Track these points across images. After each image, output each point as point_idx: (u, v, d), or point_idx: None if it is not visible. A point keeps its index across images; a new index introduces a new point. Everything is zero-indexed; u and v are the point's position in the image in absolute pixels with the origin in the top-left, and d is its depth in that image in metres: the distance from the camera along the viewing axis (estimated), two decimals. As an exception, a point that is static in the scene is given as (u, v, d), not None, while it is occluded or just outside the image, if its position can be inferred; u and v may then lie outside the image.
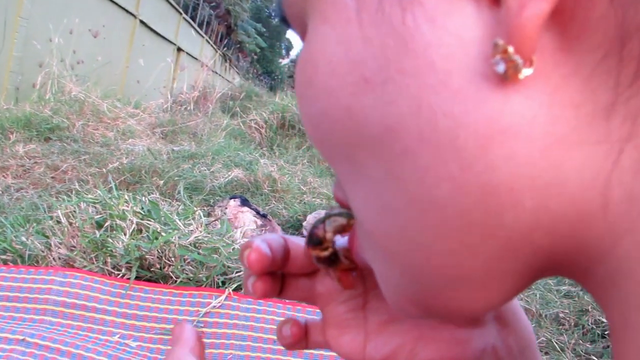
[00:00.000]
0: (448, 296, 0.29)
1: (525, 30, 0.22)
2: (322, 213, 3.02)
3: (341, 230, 0.40)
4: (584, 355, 2.68)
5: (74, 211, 2.57)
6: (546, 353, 2.67)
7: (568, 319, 2.94)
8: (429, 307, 0.31)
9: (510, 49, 0.22)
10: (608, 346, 2.75)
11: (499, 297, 0.29)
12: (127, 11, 10.82)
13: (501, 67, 0.23)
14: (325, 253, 0.39)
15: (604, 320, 2.85)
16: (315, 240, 0.39)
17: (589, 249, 0.25)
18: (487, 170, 0.24)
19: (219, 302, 2.37)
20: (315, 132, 0.31)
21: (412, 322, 0.45)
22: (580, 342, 2.77)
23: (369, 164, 0.28)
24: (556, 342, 2.72)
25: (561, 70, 0.23)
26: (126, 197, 2.67)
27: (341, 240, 0.40)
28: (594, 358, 2.68)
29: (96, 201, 2.64)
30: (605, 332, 2.81)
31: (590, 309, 2.96)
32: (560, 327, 2.90)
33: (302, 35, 0.33)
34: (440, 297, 0.30)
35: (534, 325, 2.84)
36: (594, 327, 2.87)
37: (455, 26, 0.24)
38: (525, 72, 0.22)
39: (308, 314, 2.50)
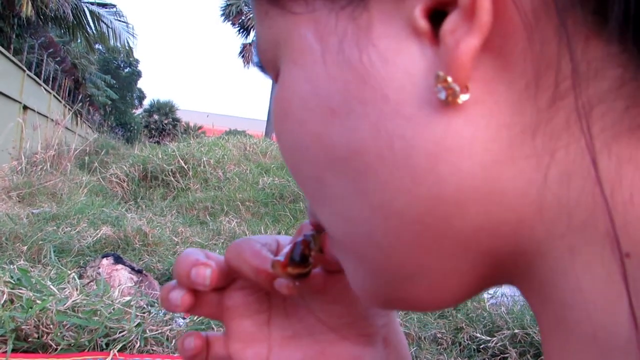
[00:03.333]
0: (408, 290, 0.34)
1: (460, 62, 0.26)
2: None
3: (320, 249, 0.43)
4: (463, 371, 2.84)
5: None
6: (429, 373, 2.80)
7: (445, 338, 3.09)
8: (391, 300, 0.36)
9: (449, 79, 0.27)
10: (484, 359, 2.93)
11: (454, 295, 0.34)
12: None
13: (442, 95, 0.27)
14: (306, 270, 0.42)
15: (478, 335, 3.04)
16: (302, 259, 0.42)
17: (529, 251, 0.29)
18: (436, 183, 0.28)
19: (105, 365, 2.30)
20: (290, 159, 0.36)
21: (314, 338, 0.49)
22: (459, 359, 2.92)
23: (335, 183, 0.32)
24: (437, 361, 2.86)
25: (494, 97, 0.27)
26: (-7, 267, 2.54)
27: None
28: (472, 372, 2.84)
29: (-41, 275, 2.48)
30: (481, 347, 2.99)
31: (464, 326, 3.14)
32: (439, 346, 3.04)
33: (275, 78, 0.38)
34: (401, 291, 0.34)
35: (414, 348, 2.96)
36: (469, 342, 3.04)
37: (403, 62, 0.28)
38: (463, 97, 0.27)
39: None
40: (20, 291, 2.44)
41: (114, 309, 2.52)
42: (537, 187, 0.28)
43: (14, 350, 2.23)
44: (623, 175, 0.26)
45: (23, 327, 2.26)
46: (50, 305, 2.33)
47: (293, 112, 0.33)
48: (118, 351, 2.36)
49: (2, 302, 2.35)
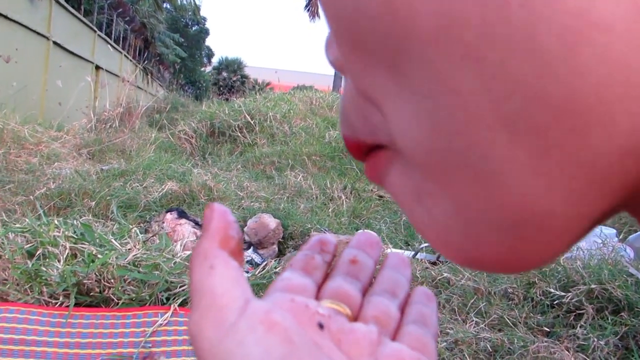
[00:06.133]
0: (508, 243, 0.23)
1: None
2: (262, 217, 2.95)
3: None
4: (536, 328, 2.71)
5: (2, 243, 2.44)
6: (499, 330, 2.69)
7: (517, 293, 2.97)
8: (479, 255, 0.25)
9: None
10: (558, 316, 2.79)
11: (569, 243, 0.24)
12: (38, 33, 10.49)
13: None
14: None
15: (552, 290, 2.90)
16: None
17: None
18: (574, 75, 0.19)
19: (165, 320, 2.29)
20: (347, 35, 0.24)
21: None
22: (531, 315, 2.80)
23: (416, 74, 0.22)
24: (508, 318, 2.74)
25: None
26: (56, 222, 2.55)
27: None
28: (546, 329, 2.71)
29: (24, 230, 2.51)
30: (554, 302, 2.85)
31: (537, 281, 3.00)
32: (510, 302, 2.92)
33: None
34: (498, 243, 0.24)
35: (484, 303, 2.86)
36: (542, 298, 2.90)
37: None
38: None
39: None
40: (83, 246, 2.45)
41: (174, 264, 2.50)
42: None
43: (76, 305, 2.24)
44: None
45: (85, 281, 2.27)
46: (111, 260, 2.33)
47: None
48: (179, 305, 2.35)
49: (65, 256, 2.37)
